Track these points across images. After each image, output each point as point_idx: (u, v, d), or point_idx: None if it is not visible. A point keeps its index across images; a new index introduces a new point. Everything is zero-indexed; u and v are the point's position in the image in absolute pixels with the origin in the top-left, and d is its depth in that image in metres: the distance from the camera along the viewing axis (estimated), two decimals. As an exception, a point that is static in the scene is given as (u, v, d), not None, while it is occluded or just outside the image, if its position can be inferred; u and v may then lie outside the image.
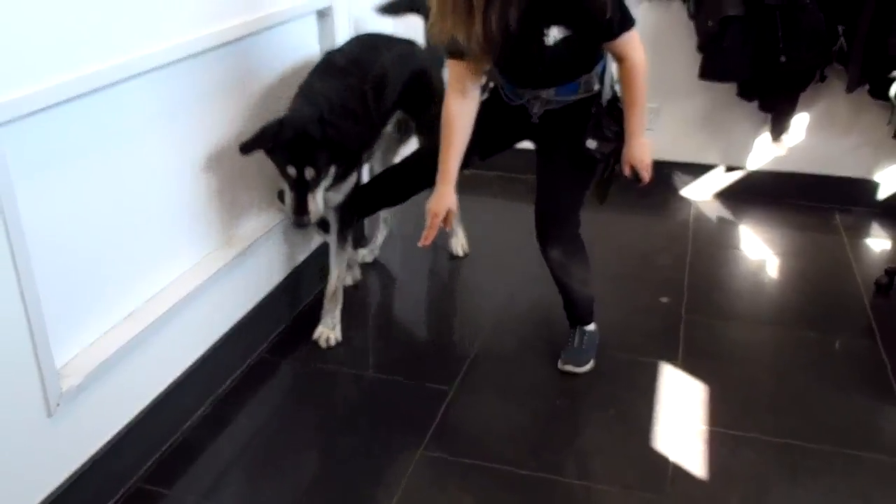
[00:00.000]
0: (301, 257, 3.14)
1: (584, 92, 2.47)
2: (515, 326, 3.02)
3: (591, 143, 2.48)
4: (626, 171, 2.50)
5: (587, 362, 2.75)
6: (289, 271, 3.05)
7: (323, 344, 2.84)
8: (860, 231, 3.82)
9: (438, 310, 3.12)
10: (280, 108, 2.83)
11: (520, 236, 3.60)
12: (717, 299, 3.22)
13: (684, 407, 2.54)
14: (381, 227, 3.45)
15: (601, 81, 2.48)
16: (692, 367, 2.73)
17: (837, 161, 3.96)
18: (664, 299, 3.18)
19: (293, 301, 3.08)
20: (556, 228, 2.61)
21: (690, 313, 3.07)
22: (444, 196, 2.49)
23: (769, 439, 2.40)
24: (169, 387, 2.40)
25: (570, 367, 2.74)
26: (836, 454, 2.35)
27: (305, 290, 3.16)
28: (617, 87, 2.50)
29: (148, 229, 2.29)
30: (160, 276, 2.37)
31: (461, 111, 2.44)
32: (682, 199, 4.16)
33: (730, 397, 2.59)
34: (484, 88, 2.56)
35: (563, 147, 2.53)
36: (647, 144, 2.47)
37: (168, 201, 2.36)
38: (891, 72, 3.52)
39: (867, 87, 3.65)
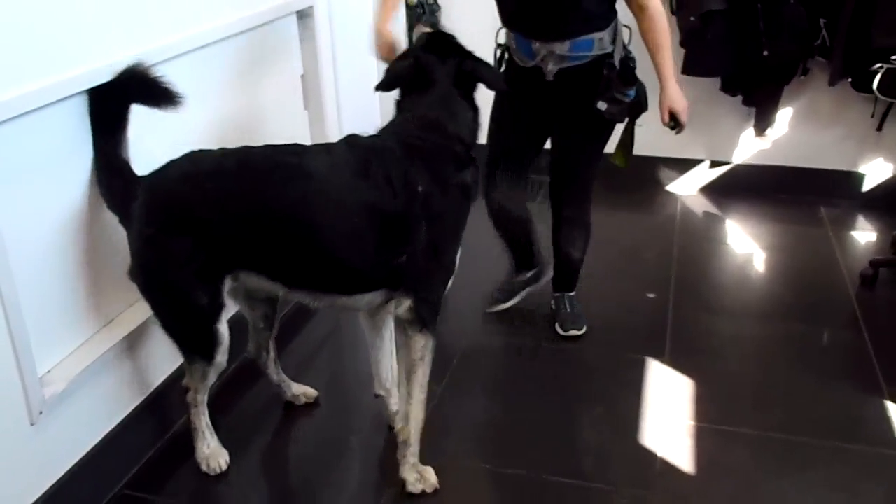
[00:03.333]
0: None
1: (599, 50, 2.50)
2: (501, 324, 3.02)
3: (602, 105, 2.52)
4: (665, 118, 2.57)
5: (584, 323, 2.89)
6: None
7: None
8: (845, 223, 3.84)
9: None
10: (259, 113, 2.83)
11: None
12: (703, 294, 3.23)
13: (672, 403, 2.55)
14: None
15: (614, 41, 2.52)
16: (679, 362, 2.73)
17: (822, 154, 3.97)
18: (651, 295, 3.19)
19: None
20: (571, 190, 2.74)
21: (677, 309, 3.07)
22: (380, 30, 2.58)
23: (756, 433, 2.41)
24: (155, 391, 2.38)
25: (574, 331, 2.87)
26: (822, 447, 2.36)
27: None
28: (630, 49, 2.54)
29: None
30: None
31: None
32: (668, 194, 4.17)
33: (717, 392, 2.59)
34: (499, 61, 2.64)
35: (577, 111, 2.58)
36: (679, 88, 2.57)
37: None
38: (873, 64, 3.53)
39: (850, 79, 3.66)
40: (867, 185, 3.98)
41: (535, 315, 3.05)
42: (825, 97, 3.85)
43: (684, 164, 4.17)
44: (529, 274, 3.05)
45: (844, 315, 3.04)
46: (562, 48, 2.48)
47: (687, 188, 4.19)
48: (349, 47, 3.49)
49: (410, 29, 4.01)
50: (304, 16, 3.10)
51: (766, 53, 3.57)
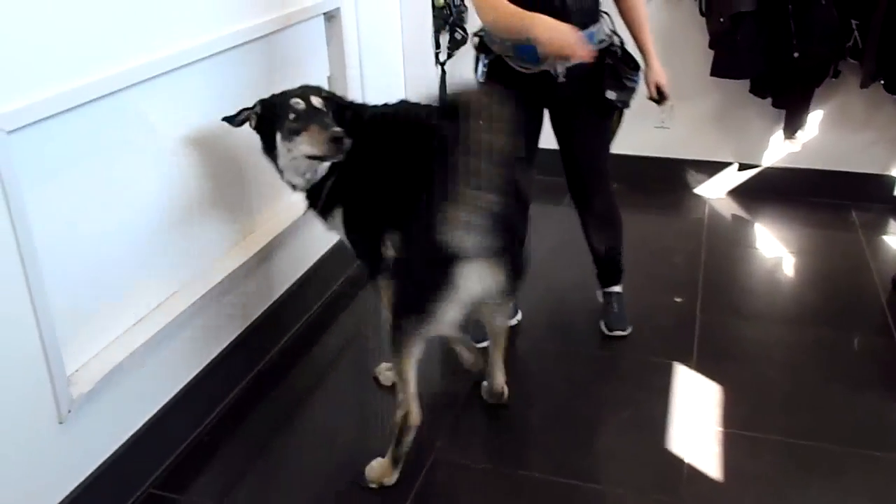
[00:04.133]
0: (318, 254, 3.15)
1: (599, 42, 2.50)
2: (526, 328, 3.00)
3: (612, 94, 2.52)
4: (652, 92, 2.60)
5: (628, 324, 2.90)
6: (304, 271, 3.06)
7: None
8: (877, 228, 3.78)
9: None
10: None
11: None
12: (731, 298, 3.19)
13: (699, 408, 2.52)
14: None
15: (607, 33, 2.53)
16: (707, 367, 2.70)
17: (853, 157, 3.91)
18: (678, 299, 3.16)
19: (307, 302, 3.08)
20: (596, 182, 2.75)
21: (705, 313, 3.04)
22: (555, 23, 2.27)
23: (784, 440, 2.37)
24: (181, 390, 2.40)
25: (619, 332, 2.88)
26: (852, 454, 2.32)
27: (320, 290, 3.16)
28: (618, 35, 2.56)
29: (160, 231, 2.29)
30: (169, 282, 2.37)
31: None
32: (696, 196, 4.13)
33: (745, 398, 2.56)
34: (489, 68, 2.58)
35: (587, 103, 2.57)
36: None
37: (175, 207, 2.36)
38: (904, 66, 3.48)
39: (882, 82, 3.60)
40: (900, 190, 3.92)
41: (560, 320, 3.04)
42: (856, 100, 3.79)
43: (713, 167, 4.13)
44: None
45: (876, 321, 2.99)
46: None
47: (715, 191, 4.14)
48: (375, 49, 3.50)
49: (437, 31, 4.02)
50: (331, 17, 3.11)
51: (796, 55, 3.52)
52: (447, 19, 4.04)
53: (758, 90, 3.81)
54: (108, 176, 2.06)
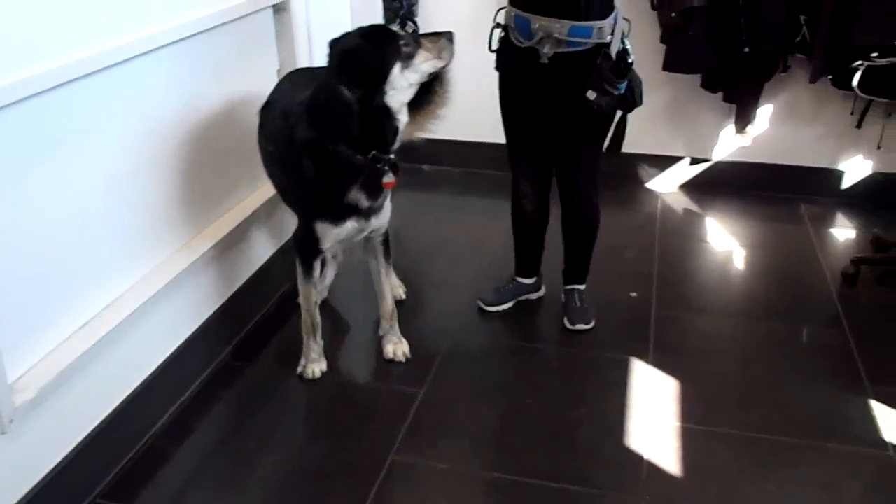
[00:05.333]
0: (266, 255, 3.08)
1: (597, 38, 2.48)
2: (482, 323, 2.98)
3: (591, 94, 2.50)
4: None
5: (592, 317, 2.91)
6: (253, 272, 2.98)
7: (308, 376, 2.64)
8: (825, 221, 3.84)
9: (404, 311, 3.07)
10: (233, 108, 2.77)
11: (482, 231, 3.61)
12: (686, 293, 3.21)
13: (656, 404, 2.52)
14: (331, 264, 3.14)
15: (612, 32, 2.50)
16: (663, 362, 2.71)
17: (802, 151, 3.97)
18: (633, 294, 3.16)
19: (257, 302, 3.01)
20: (574, 176, 2.75)
21: (660, 308, 3.05)
22: None
23: (741, 434, 2.39)
24: (129, 397, 2.32)
25: (581, 325, 2.90)
26: (806, 446, 2.35)
27: (269, 291, 3.09)
28: (627, 42, 2.52)
29: (103, 233, 2.21)
30: (117, 281, 2.28)
31: None
32: (648, 191, 4.15)
33: (701, 392, 2.57)
34: (499, 41, 2.65)
35: (570, 99, 2.55)
36: None
37: (124, 203, 2.28)
38: (853, 62, 3.53)
39: (830, 77, 3.66)
40: (847, 183, 3.98)
41: (515, 315, 3.02)
42: (805, 94, 3.85)
43: (664, 161, 4.16)
44: (530, 281, 3.03)
45: (827, 313, 3.03)
46: (561, 30, 2.45)
47: (667, 185, 4.17)
48: (326, 41, 3.42)
49: (387, 23, 3.96)
50: (279, 10, 3.04)
51: (747, 50, 3.55)
52: (398, 12, 3.99)
53: (709, 85, 3.84)
54: (51, 174, 1.98)
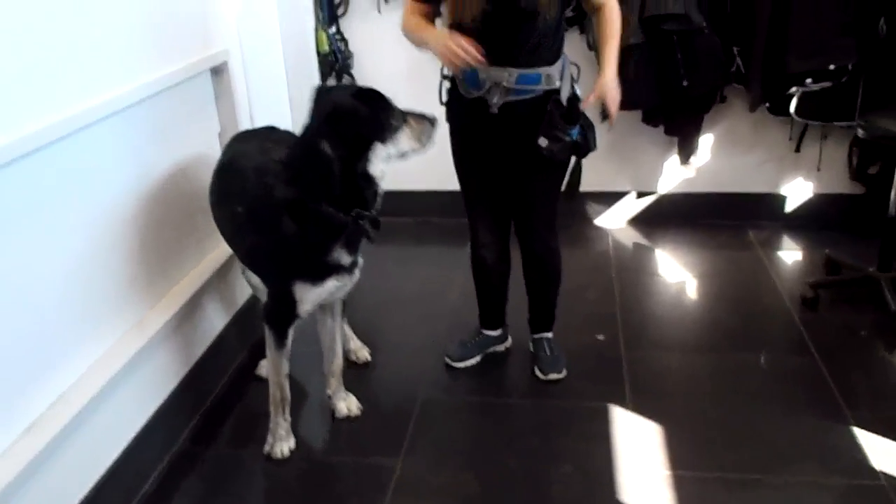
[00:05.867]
0: (221, 325, 2.92)
1: (546, 85, 2.43)
2: (451, 381, 2.87)
3: (543, 142, 2.45)
4: (591, 100, 2.46)
5: (564, 366, 2.84)
6: (207, 345, 2.81)
7: (277, 455, 2.47)
8: (774, 244, 3.88)
9: (368, 373, 2.93)
10: (178, 173, 2.64)
11: (441, 282, 3.52)
12: (652, 331, 3.16)
13: (642, 452, 2.44)
14: None
15: (561, 78, 2.46)
16: (642, 407, 2.64)
17: (744, 178, 4.01)
18: (601, 336, 3.10)
19: (213, 377, 2.84)
20: (533, 225, 2.70)
21: (629, 349, 2.99)
22: (442, 35, 2.38)
23: (733, 476, 2.33)
24: (84, 498, 2.12)
25: (554, 375, 2.82)
26: (801, 484, 2.30)
27: (225, 363, 2.92)
28: (576, 87, 2.48)
29: (46, 322, 2.03)
30: (64, 373, 2.10)
31: (412, 18, 2.50)
32: (598, 228, 4.13)
33: (685, 435, 2.51)
34: (447, 93, 2.59)
35: (522, 147, 2.48)
36: (616, 80, 2.50)
37: (70, 286, 2.11)
38: (789, 88, 3.59)
39: (767, 104, 3.71)
40: (790, 206, 4.03)
41: (484, 369, 2.93)
42: (744, 123, 3.90)
43: (611, 198, 4.15)
44: (496, 333, 2.95)
45: (793, 340, 3.02)
46: (509, 79, 2.39)
47: (616, 221, 4.16)
48: (267, 101, 3.32)
49: (323, 77, 3.88)
50: (217, 72, 2.92)
51: (685, 84, 3.58)
52: (333, 66, 3.91)
53: (650, 119, 3.85)
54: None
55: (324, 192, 2.19)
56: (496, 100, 2.45)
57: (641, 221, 4.14)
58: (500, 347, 3.01)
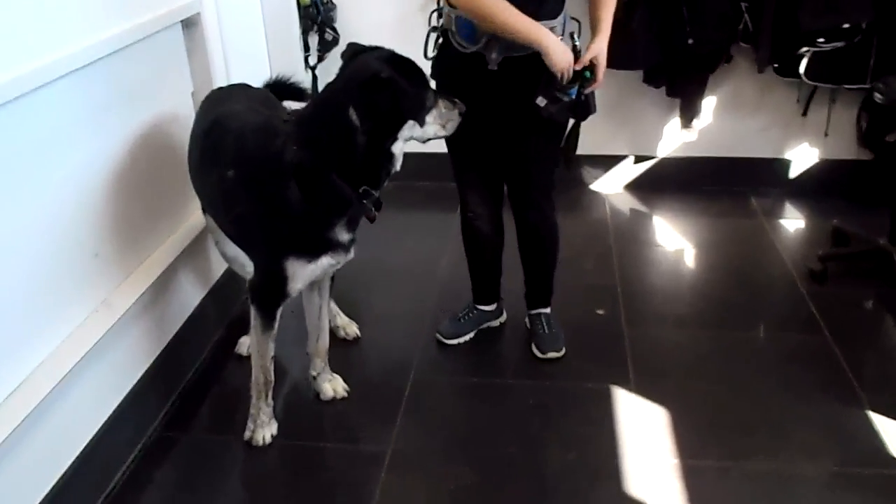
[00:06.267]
0: (192, 306, 2.71)
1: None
2: (444, 359, 2.70)
3: (541, 101, 2.26)
4: (579, 64, 2.23)
5: (563, 343, 2.68)
6: (181, 324, 2.61)
7: (259, 442, 2.30)
8: (778, 212, 3.72)
9: (356, 352, 2.76)
10: (148, 138, 2.43)
11: (430, 251, 3.34)
12: (653, 305, 3.00)
13: (648, 439, 2.29)
14: None
15: (563, 33, 2.27)
16: (645, 389, 2.49)
17: (748, 142, 3.83)
18: (600, 311, 2.94)
19: (188, 358, 2.65)
20: (529, 192, 2.51)
21: (631, 325, 2.84)
22: (561, 48, 2.18)
23: (743, 466, 2.19)
24: (47, 495, 1.95)
25: (553, 353, 2.66)
26: (814, 476, 2.16)
27: (201, 342, 2.74)
28: (577, 41, 2.27)
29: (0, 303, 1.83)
30: (23, 360, 1.91)
31: None
32: (594, 193, 3.95)
33: (692, 420, 2.36)
34: (434, 46, 2.38)
35: (522, 106, 2.29)
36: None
37: (24, 264, 1.90)
38: (799, 48, 3.40)
39: (776, 65, 3.52)
40: (795, 172, 3.86)
41: (478, 345, 2.76)
42: (749, 84, 3.71)
43: (608, 161, 3.97)
44: (490, 308, 2.78)
45: (802, 316, 2.87)
46: None
47: (613, 186, 3.98)
48: (244, 56, 3.09)
49: (305, 33, 3.64)
50: (189, 25, 2.68)
51: (691, 42, 3.38)
52: (315, 19, 3.67)
53: (652, 79, 3.65)
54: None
55: (340, 162, 2.00)
56: (495, 55, 2.25)
57: (639, 187, 3.96)
58: (495, 322, 2.84)
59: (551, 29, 2.23)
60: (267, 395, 2.30)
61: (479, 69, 2.28)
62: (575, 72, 2.24)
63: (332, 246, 2.14)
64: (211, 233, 2.60)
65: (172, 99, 2.62)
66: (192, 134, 2.37)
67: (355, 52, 2.12)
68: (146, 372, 2.38)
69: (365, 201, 2.08)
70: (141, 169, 2.39)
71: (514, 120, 2.36)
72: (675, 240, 3.50)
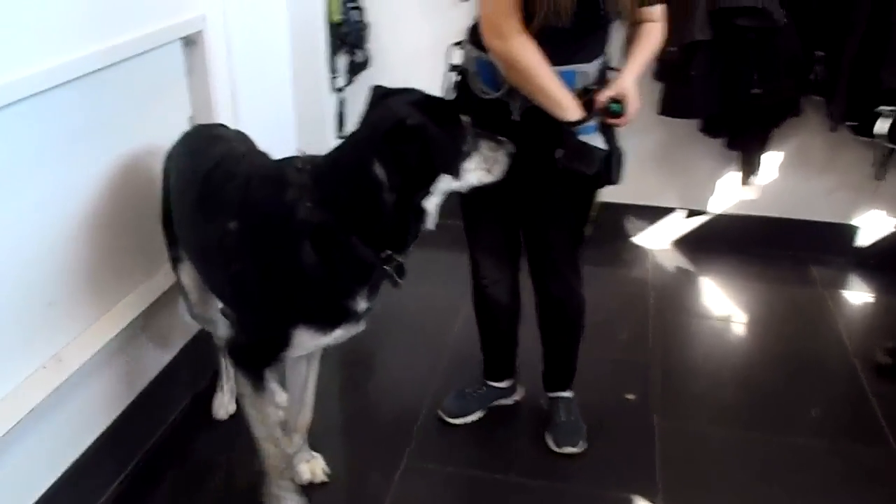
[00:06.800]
0: (153, 373, 2.36)
1: (581, 85, 1.91)
2: (444, 442, 2.37)
3: (559, 152, 1.92)
4: (603, 98, 1.90)
5: (583, 437, 2.34)
6: (140, 389, 2.29)
7: None
8: (840, 284, 3.33)
9: (339, 426, 2.44)
10: (139, 167, 2.15)
11: (437, 304, 3.00)
12: (692, 393, 2.62)
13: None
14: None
15: (599, 81, 1.95)
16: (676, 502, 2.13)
17: (813, 204, 3.44)
18: (630, 396, 2.58)
19: (144, 431, 2.32)
20: (552, 261, 2.18)
21: (664, 417, 2.47)
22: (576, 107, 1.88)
23: None
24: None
25: (570, 449, 2.32)
26: None
27: (159, 417, 2.38)
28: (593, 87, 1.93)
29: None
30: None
31: (532, 46, 1.83)
32: (636, 247, 3.59)
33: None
34: (453, 87, 2.07)
35: (545, 161, 1.95)
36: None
37: None
38: (877, 106, 3.00)
39: (852, 124, 3.12)
40: (863, 241, 3.45)
41: (486, 428, 2.42)
42: (818, 140, 3.32)
43: (655, 213, 3.60)
44: (504, 385, 2.45)
45: (866, 423, 2.48)
46: None
47: (658, 241, 3.61)
48: (254, 79, 2.80)
49: (333, 52, 3.35)
50: (190, 43, 2.40)
51: (756, 91, 3.00)
52: (344, 38, 3.38)
53: (710, 129, 3.28)
54: None
55: (363, 224, 1.69)
56: (518, 104, 1.93)
57: (688, 244, 3.58)
58: (508, 400, 2.50)
59: (583, 74, 1.91)
60: (285, 471, 1.99)
61: (501, 118, 1.95)
62: (598, 109, 1.90)
63: (348, 317, 1.82)
64: (184, 293, 2.24)
65: (163, 127, 2.33)
66: (177, 173, 2.07)
67: (381, 96, 1.80)
68: (97, 440, 2.08)
69: (387, 267, 1.76)
70: (113, 208, 2.11)
71: (537, 177, 2.02)
72: (722, 310, 3.12)
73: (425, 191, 1.71)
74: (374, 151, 1.65)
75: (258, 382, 1.90)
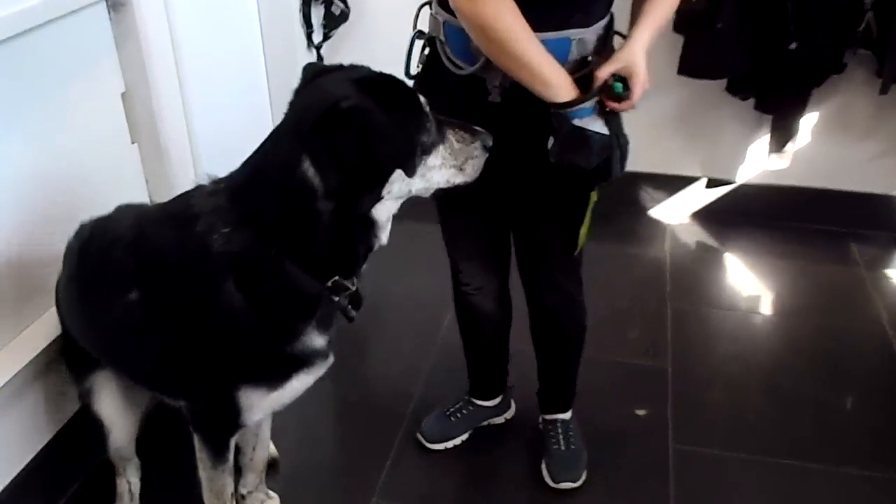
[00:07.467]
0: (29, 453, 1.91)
1: (578, 55, 1.52)
2: (420, 471, 2.06)
3: (550, 141, 1.53)
4: (603, 74, 1.49)
5: (583, 467, 2.01)
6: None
7: None
8: (884, 264, 2.94)
9: (310, 453, 2.13)
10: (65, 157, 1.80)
11: (432, 293, 2.60)
12: (714, 406, 2.28)
13: None
14: None
15: (599, 49, 1.54)
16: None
17: (853, 173, 3.04)
18: (640, 412, 2.24)
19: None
20: (546, 267, 1.82)
21: (680, 437, 2.13)
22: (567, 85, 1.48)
23: None
24: None
25: (567, 483, 1.98)
26: None
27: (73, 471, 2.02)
28: (591, 59, 1.53)
29: None
30: None
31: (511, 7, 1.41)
32: (653, 221, 3.21)
33: None
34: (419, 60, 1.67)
35: (533, 151, 1.57)
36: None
37: None
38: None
39: (900, 83, 2.70)
40: (910, 215, 3.06)
41: (470, 453, 2.10)
42: (861, 102, 2.90)
43: (674, 183, 3.21)
44: (491, 403, 2.11)
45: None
46: None
47: (677, 214, 3.23)
48: (208, 43, 2.41)
49: (306, 6, 2.96)
50: (118, 5, 2.01)
51: (793, 46, 2.59)
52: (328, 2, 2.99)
53: (738, 90, 2.87)
54: None
55: (296, 244, 1.34)
56: (498, 81, 1.54)
57: (710, 217, 3.20)
58: (499, 419, 2.17)
59: (580, 42, 1.51)
60: None
61: (476, 99, 1.58)
62: (598, 87, 1.50)
63: (303, 362, 1.49)
64: (90, 397, 1.77)
65: (96, 101, 1.98)
66: (65, 282, 1.67)
67: (315, 74, 1.42)
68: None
69: (337, 298, 1.41)
70: (66, 184, 1.77)
71: (522, 168, 1.65)
72: (748, 298, 2.76)
73: (373, 195, 1.34)
74: (302, 146, 1.29)
75: (219, 452, 1.62)
